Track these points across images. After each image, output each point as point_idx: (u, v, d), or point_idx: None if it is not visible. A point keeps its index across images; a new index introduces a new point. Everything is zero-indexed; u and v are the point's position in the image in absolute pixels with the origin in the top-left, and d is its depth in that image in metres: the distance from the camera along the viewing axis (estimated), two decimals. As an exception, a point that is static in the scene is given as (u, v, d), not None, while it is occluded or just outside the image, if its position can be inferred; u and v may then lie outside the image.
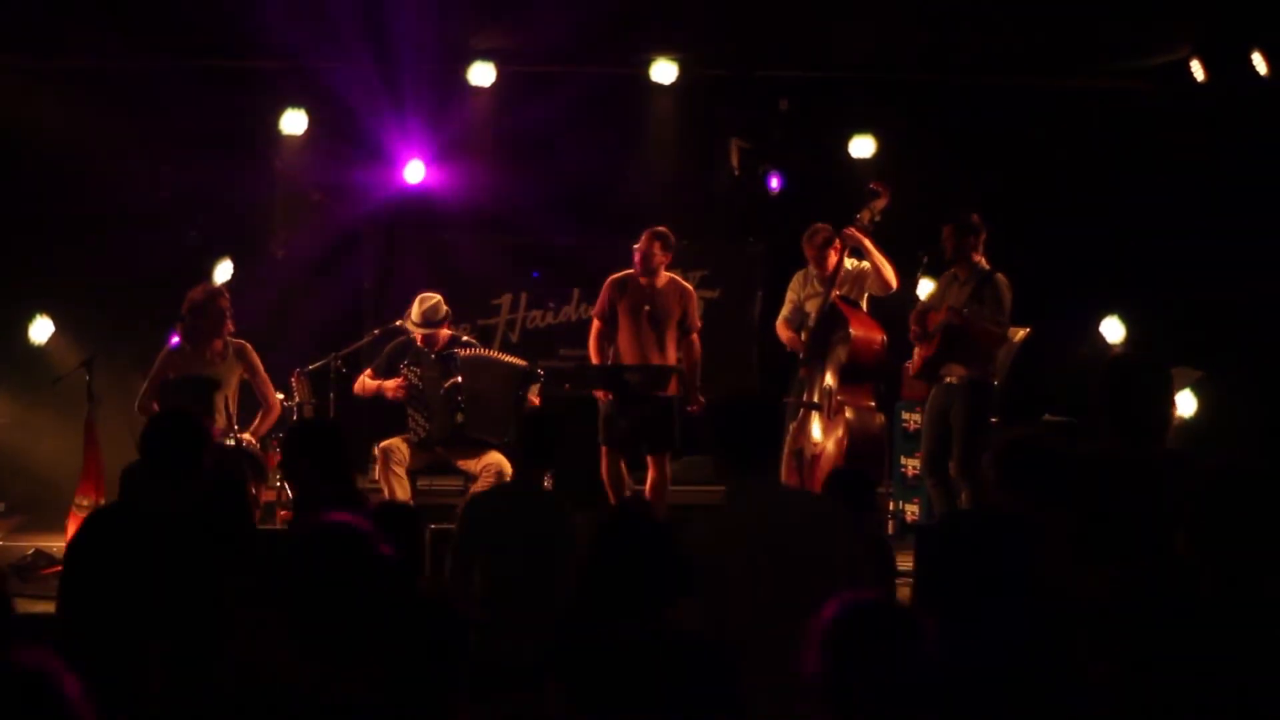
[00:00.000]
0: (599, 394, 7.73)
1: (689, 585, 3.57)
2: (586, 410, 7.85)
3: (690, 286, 7.99)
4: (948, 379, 7.26)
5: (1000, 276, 7.23)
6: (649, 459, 7.70)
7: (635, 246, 7.76)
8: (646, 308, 7.71)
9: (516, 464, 6.94)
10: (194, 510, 4.30)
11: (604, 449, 7.70)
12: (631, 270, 7.80)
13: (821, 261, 7.79)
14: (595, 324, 7.95)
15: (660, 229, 7.76)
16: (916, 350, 7.49)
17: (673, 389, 7.63)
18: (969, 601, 3.51)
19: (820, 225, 7.84)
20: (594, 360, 7.89)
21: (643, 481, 7.76)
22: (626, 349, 7.75)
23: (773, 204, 9.55)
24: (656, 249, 7.70)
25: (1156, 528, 3.90)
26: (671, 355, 7.76)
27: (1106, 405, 4.22)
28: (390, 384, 7.65)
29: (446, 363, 7.69)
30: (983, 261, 7.30)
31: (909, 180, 8.18)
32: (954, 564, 3.61)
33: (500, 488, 6.55)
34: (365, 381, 7.77)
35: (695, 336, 7.85)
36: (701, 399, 7.69)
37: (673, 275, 7.91)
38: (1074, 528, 3.91)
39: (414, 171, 9.29)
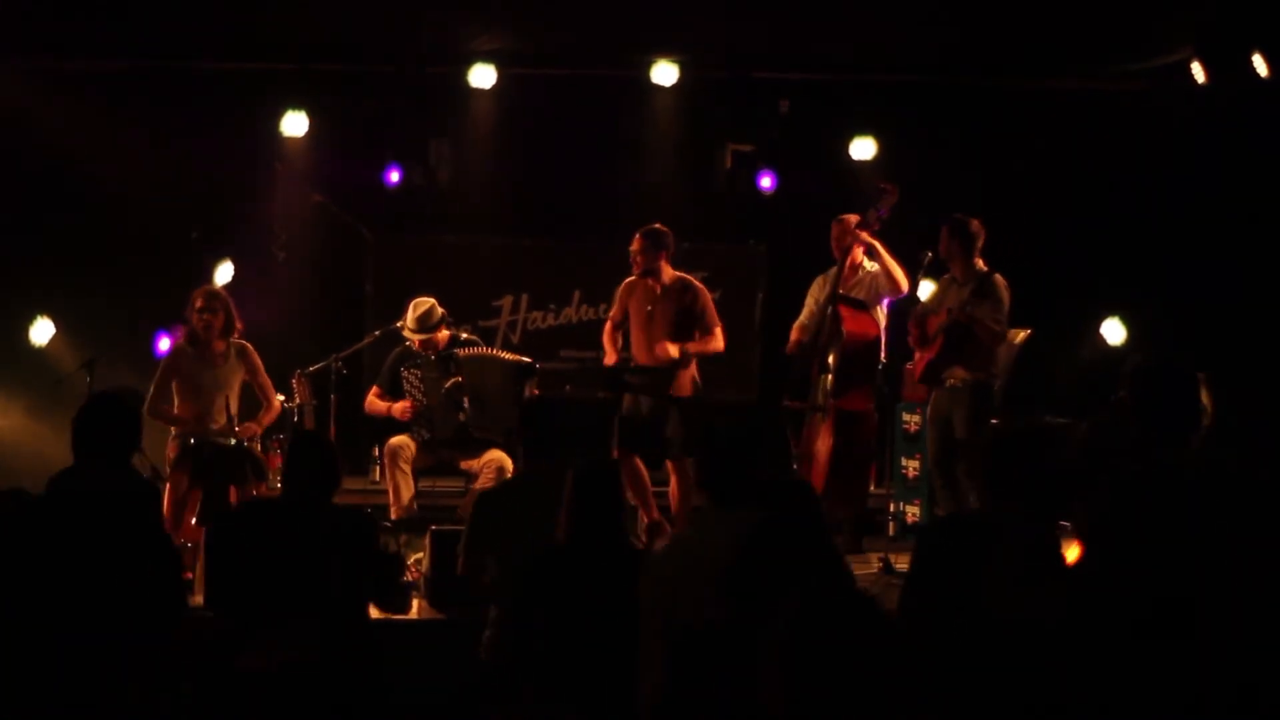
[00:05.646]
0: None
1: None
2: (593, 410, 7.84)
3: (699, 284, 7.87)
4: (949, 382, 7.25)
5: (998, 277, 7.21)
6: (669, 465, 7.67)
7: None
8: (649, 308, 7.71)
9: (518, 458, 7.00)
10: (123, 492, 4.45)
11: (615, 452, 7.69)
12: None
13: (845, 253, 7.71)
14: (608, 324, 7.97)
15: (650, 227, 7.72)
16: (917, 355, 7.46)
17: (686, 390, 7.62)
18: (954, 604, 3.53)
19: (850, 217, 7.73)
20: (609, 355, 7.87)
21: (658, 482, 7.75)
22: (636, 350, 7.77)
23: (774, 206, 9.55)
24: (641, 246, 7.68)
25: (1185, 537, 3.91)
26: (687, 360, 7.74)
27: (1134, 412, 4.20)
28: (397, 407, 7.68)
29: (446, 363, 7.72)
30: (980, 264, 7.30)
31: (910, 181, 8.17)
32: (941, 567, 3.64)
33: (507, 482, 6.50)
34: (374, 402, 7.82)
35: (717, 330, 7.75)
36: (683, 350, 7.60)
37: (681, 274, 7.85)
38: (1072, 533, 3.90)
39: (394, 174, 9.32)
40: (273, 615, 4.49)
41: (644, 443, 7.59)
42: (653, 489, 7.69)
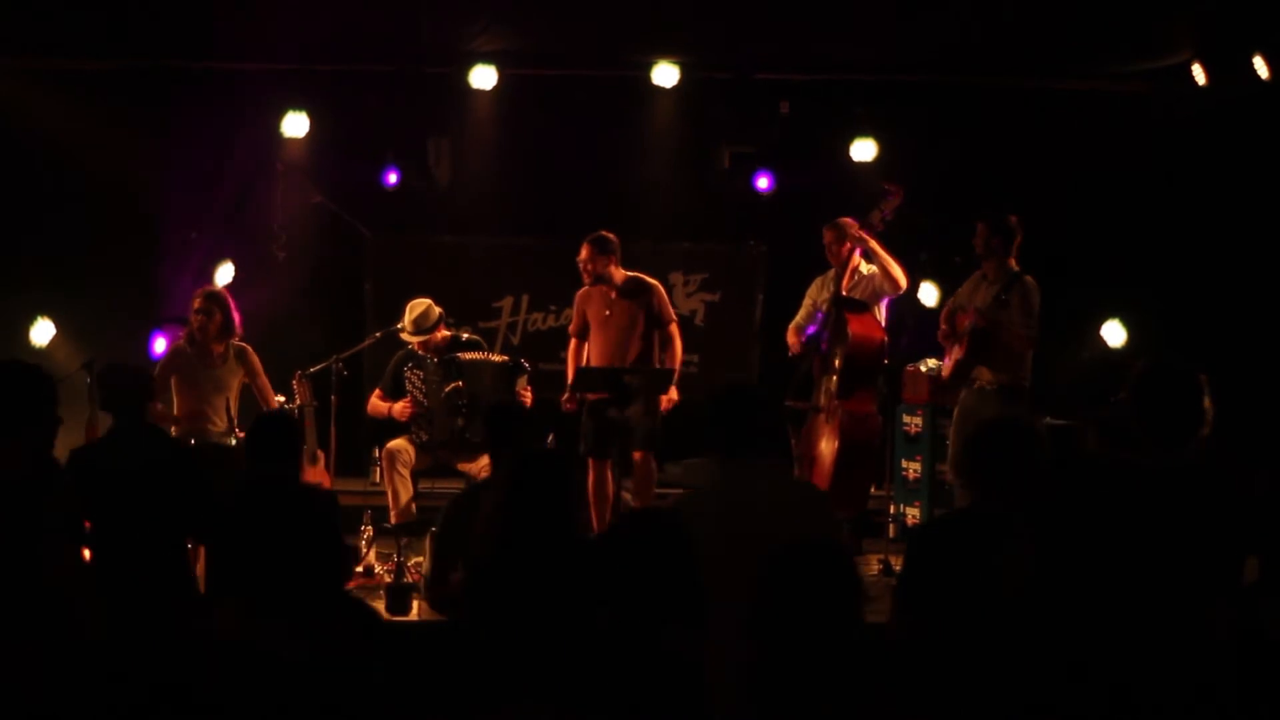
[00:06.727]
0: (569, 406, 7.74)
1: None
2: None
3: (654, 282, 7.88)
4: (978, 383, 7.17)
5: (1029, 279, 7.13)
6: (635, 456, 7.55)
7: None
8: (606, 312, 7.73)
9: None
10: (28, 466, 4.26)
11: (590, 461, 7.67)
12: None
13: (838, 255, 7.71)
14: (572, 341, 7.96)
15: (596, 235, 7.76)
16: (948, 353, 7.41)
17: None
18: (947, 601, 3.53)
19: (846, 220, 7.72)
20: (569, 375, 7.84)
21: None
22: (598, 354, 7.74)
23: (774, 207, 9.55)
24: (588, 254, 7.72)
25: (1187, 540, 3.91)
26: (650, 357, 7.73)
27: (1138, 413, 4.20)
28: (398, 407, 7.69)
29: (447, 367, 7.72)
30: (1013, 264, 7.24)
31: (910, 182, 8.17)
32: (935, 565, 3.64)
33: (476, 486, 6.44)
34: (376, 404, 7.86)
35: (673, 329, 7.77)
36: (674, 395, 7.61)
37: (634, 274, 7.85)
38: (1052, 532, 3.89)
39: (392, 175, 9.32)
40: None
41: (612, 445, 7.54)
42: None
